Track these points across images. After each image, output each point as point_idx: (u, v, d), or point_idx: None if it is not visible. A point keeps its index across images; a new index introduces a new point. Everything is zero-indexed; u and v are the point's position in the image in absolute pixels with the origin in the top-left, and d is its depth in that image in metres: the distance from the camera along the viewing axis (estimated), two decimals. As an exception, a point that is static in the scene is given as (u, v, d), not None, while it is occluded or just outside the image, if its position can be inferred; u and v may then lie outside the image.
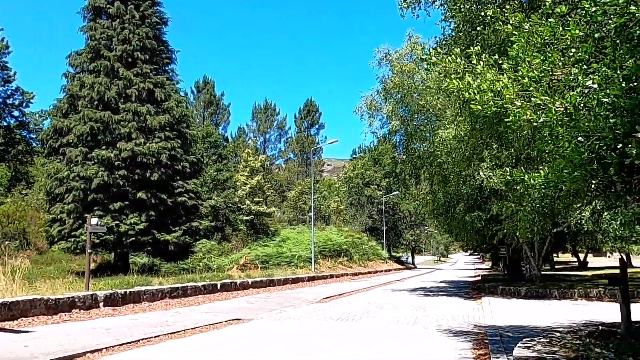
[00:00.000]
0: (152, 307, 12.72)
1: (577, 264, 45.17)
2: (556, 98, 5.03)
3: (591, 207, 14.88)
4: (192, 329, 9.51)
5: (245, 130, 61.22)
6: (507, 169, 7.89)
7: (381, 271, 40.63)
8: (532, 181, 6.48)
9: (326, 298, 17.08)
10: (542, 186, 6.22)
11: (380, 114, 20.25)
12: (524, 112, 5.08)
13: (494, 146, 16.89)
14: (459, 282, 29.69)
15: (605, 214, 14.80)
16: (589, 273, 28.31)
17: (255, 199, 38.65)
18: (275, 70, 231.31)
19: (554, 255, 47.16)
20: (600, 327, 8.81)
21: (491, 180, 16.44)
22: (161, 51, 26.63)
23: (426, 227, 64.51)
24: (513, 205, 10.94)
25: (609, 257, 52.78)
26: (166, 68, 27.09)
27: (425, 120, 19.52)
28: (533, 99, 5.10)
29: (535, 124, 5.17)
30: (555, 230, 18.35)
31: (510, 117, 5.26)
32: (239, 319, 11.13)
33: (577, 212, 15.47)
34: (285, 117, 62.93)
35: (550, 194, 8.43)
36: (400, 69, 17.82)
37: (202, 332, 9.37)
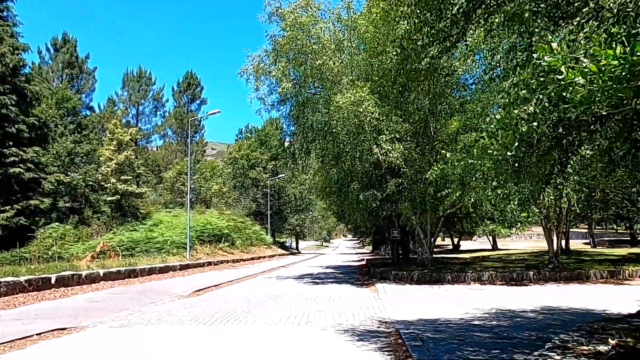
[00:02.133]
0: None
1: (450, 247, 47.35)
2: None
3: (491, 187, 13.98)
4: (-30, 352, 6.14)
5: (116, 100, 53.94)
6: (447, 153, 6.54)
7: (265, 257, 38.31)
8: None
9: (199, 290, 14.18)
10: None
11: (269, 79, 17.65)
12: None
13: (394, 119, 15.28)
14: (346, 267, 28.52)
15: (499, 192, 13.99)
16: (467, 255, 28.94)
17: (123, 177, 33.60)
18: (152, 38, 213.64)
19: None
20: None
21: (390, 155, 14.82)
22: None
23: (311, 212, 63.66)
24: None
25: (474, 240, 56.72)
26: (-2, 4, 21.29)
27: (320, 88, 17.37)
28: None
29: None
30: (448, 211, 17.52)
31: None
32: (63, 329, 7.85)
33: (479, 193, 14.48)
34: (163, 89, 56.64)
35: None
36: (294, 21, 15.32)
37: (-14, 357, 6.07)
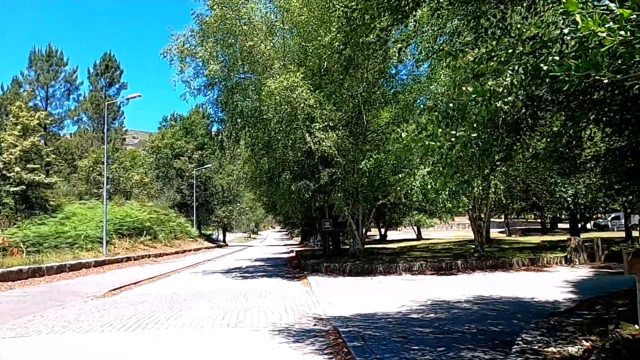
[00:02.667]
0: None
1: (378, 237, 48.27)
2: None
3: (422, 177, 13.97)
4: None
5: (21, 81, 48.65)
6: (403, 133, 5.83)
7: (190, 250, 36.65)
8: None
9: (115, 290, 12.89)
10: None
11: (195, 60, 16.43)
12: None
13: (328, 106, 14.80)
14: (275, 259, 27.89)
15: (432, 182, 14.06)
16: (394, 245, 29.45)
17: (29, 166, 30.43)
18: (65, 14, 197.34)
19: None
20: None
21: (323, 144, 14.35)
22: None
23: (239, 204, 62.16)
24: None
25: (399, 230, 58.41)
26: None
27: (251, 72, 16.44)
28: None
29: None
30: (379, 202, 17.47)
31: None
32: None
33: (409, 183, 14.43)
34: (77, 70, 51.57)
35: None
36: (223, -5, 14.25)
37: None
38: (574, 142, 6.33)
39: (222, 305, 9.61)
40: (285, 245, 57.25)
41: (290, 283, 14.10)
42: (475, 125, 3.45)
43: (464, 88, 3.53)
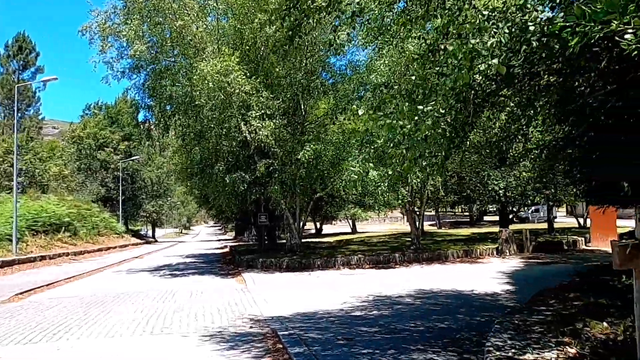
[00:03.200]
0: None
1: (313, 231, 48.10)
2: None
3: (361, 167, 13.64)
4: None
5: None
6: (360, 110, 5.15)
7: (115, 247, 34.32)
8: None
9: (23, 293, 11.41)
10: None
11: (118, 40, 14.98)
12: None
13: (264, 94, 14.07)
14: (208, 255, 26.70)
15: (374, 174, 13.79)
16: (330, 239, 29.24)
17: None
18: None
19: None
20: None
21: (260, 133, 13.61)
22: None
23: (170, 198, 59.53)
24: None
25: (334, 224, 58.71)
26: None
27: (182, 56, 15.24)
28: None
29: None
30: (317, 195, 17.01)
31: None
32: None
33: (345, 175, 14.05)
34: (-17, 51, 46.82)
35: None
36: (151, -30, 13.05)
37: None
38: (523, 129, 6.12)
39: (146, 308, 8.67)
40: (219, 240, 55.59)
41: (223, 280, 13.27)
42: (447, 99, 2.99)
43: (443, 46, 3.03)
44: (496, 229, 35.24)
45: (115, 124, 51.13)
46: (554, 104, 5.83)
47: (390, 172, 12.42)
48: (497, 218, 51.79)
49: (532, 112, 5.71)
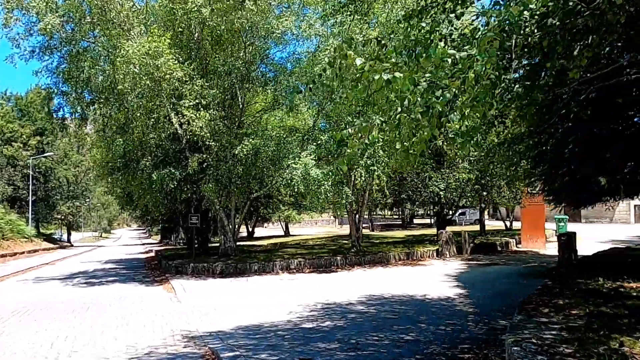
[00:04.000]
0: None
1: (245, 234, 46.48)
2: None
3: (303, 165, 12.79)
4: None
5: None
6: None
7: (23, 253, 30.80)
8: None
9: None
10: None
11: (27, 14, 12.95)
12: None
13: (199, 82, 12.80)
14: (131, 260, 24.55)
15: (317, 172, 12.99)
16: (264, 242, 28.08)
17: None
18: None
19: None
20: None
21: (193, 125, 12.32)
22: None
23: (89, 199, 55.19)
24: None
25: (265, 227, 57.38)
26: None
27: (104, 35, 13.46)
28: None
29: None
30: (255, 195, 15.89)
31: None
32: None
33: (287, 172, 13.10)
34: None
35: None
36: None
37: None
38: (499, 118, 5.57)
39: (53, 326, 7.19)
40: (143, 244, 52.21)
41: (149, 289, 11.79)
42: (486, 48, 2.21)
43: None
44: (427, 231, 35.89)
45: (26, 117, 46.43)
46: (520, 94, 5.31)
47: (333, 170, 11.62)
48: (427, 221, 53.26)
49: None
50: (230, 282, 12.25)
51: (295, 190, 13.00)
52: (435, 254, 16.80)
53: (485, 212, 35.18)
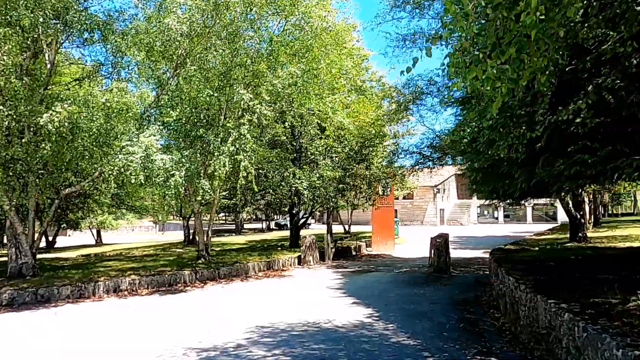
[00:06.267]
0: None
1: (43, 244, 37.90)
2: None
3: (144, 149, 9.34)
4: None
5: None
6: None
7: None
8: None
9: None
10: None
11: None
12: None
13: None
14: None
15: (164, 157, 9.66)
16: (72, 254, 22.32)
17: None
18: None
19: None
20: None
21: None
22: None
23: None
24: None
25: (69, 235, 48.47)
26: None
27: None
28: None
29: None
30: (69, 190, 11.50)
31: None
32: None
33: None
34: None
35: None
36: None
37: None
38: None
39: None
40: None
41: None
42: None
43: None
44: (266, 236, 33.93)
45: None
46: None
47: (189, 157, 8.61)
48: (258, 225, 51.37)
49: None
50: (29, 318, 8.04)
51: (133, 181, 9.39)
52: (297, 261, 14.70)
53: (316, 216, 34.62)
